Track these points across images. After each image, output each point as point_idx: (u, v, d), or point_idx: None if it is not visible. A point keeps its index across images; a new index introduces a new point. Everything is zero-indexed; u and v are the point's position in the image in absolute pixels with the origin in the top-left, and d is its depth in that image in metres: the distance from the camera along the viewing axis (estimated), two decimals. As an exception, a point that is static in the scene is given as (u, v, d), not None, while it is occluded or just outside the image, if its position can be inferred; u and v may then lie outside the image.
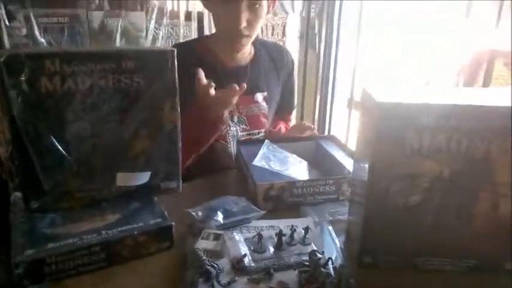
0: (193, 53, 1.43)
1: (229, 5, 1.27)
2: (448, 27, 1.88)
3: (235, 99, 1.19)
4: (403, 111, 0.75)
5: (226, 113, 1.24)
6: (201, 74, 1.18)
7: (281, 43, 2.52)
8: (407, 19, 2.06)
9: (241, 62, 1.47)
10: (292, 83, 1.67)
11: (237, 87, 1.16)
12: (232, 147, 1.48)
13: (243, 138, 1.50)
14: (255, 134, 1.52)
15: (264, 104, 1.52)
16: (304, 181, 1.11)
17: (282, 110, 1.66)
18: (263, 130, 1.54)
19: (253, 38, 1.39)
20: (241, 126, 1.49)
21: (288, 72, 1.61)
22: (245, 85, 1.18)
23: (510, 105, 0.74)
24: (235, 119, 1.47)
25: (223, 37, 1.38)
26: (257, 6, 1.29)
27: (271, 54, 1.55)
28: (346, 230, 0.97)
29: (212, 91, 1.17)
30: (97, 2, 2.06)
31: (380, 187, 0.79)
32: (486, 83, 1.62)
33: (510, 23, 1.47)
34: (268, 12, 1.39)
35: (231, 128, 1.47)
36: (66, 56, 0.84)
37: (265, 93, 1.52)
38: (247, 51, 1.47)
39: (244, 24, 1.28)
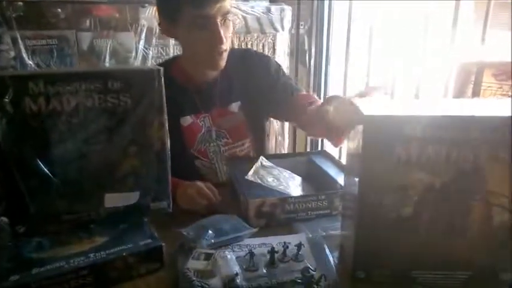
0: (167, 75, 1.41)
1: (205, 27, 1.26)
2: (434, 44, 1.90)
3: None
4: (390, 123, 0.75)
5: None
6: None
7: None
8: (394, 34, 2.08)
9: (211, 76, 1.45)
10: (283, 76, 1.56)
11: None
12: (217, 164, 1.47)
13: (227, 152, 1.48)
14: (239, 146, 1.50)
15: (241, 113, 1.49)
16: (296, 197, 1.10)
17: (292, 93, 1.53)
18: (248, 140, 1.52)
19: (228, 50, 1.38)
20: (223, 141, 1.47)
21: (266, 69, 1.53)
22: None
23: (498, 115, 0.75)
24: (214, 135, 1.46)
25: (202, 58, 1.36)
26: (227, 20, 1.31)
27: (242, 62, 1.52)
28: (339, 245, 0.96)
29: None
30: (87, 23, 2.06)
31: (371, 200, 0.79)
32: (475, 95, 1.62)
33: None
34: None
35: (210, 144, 1.46)
36: (50, 77, 0.84)
37: (239, 103, 1.49)
38: None
39: (225, 40, 1.29)
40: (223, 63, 1.36)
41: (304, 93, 1.53)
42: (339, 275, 0.86)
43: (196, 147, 1.44)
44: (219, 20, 1.26)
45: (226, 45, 1.32)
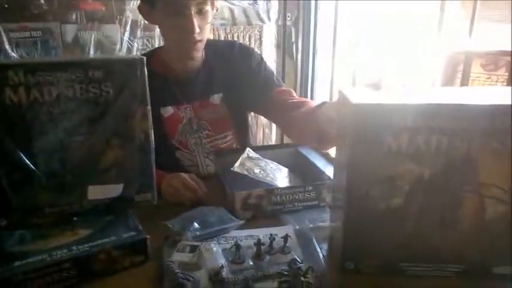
0: (147, 66, 1.38)
1: (179, 15, 1.24)
2: (422, 36, 1.91)
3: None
4: (380, 112, 0.74)
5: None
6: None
7: (259, 51, 2.50)
8: (382, 26, 2.08)
9: (192, 67, 1.42)
10: (264, 70, 1.52)
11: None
12: (198, 156, 1.45)
13: (209, 145, 1.46)
14: (222, 138, 1.48)
15: (223, 105, 1.47)
16: (283, 188, 1.08)
17: (272, 88, 1.50)
18: (230, 133, 1.50)
19: (205, 41, 1.36)
20: (205, 132, 1.45)
21: (248, 61, 1.50)
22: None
23: (490, 103, 0.73)
24: (195, 126, 1.43)
25: (177, 47, 1.35)
26: (204, 10, 1.28)
27: (223, 53, 1.49)
28: (329, 236, 0.95)
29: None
30: (73, 15, 2.03)
31: (360, 190, 0.78)
32: (464, 86, 1.62)
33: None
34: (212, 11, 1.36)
35: (191, 136, 1.43)
36: (30, 66, 0.82)
37: (221, 95, 1.46)
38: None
39: (198, 30, 1.26)
40: (197, 53, 1.34)
41: (284, 88, 1.50)
42: (328, 266, 0.86)
43: (177, 138, 1.42)
44: (193, 8, 1.24)
45: (201, 36, 1.30)
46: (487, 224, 0.77)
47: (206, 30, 1.33)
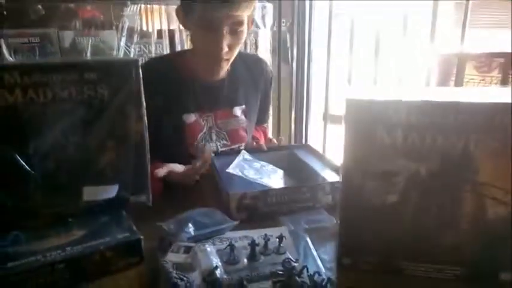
0: (170, 67, 1.40)
1: (210, 30, 1.23)
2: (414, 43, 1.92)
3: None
4: (372, 108, 0.74)
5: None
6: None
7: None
8: (376, 28, 2.10)
9: (218, 76, 1.43)
10: (269, 96, 1.66)
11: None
12: None
13: None
14: (236, 149, 1.49)
15: (243, 117, 1.49)
16: (278, 189, 1.09)
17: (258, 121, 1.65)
18: (244, 144, 1.52)
19: (232, 59, 1.37)
20: (222, 142, 1.46)
21: (265, 83, 1.58)
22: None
23: (487, 101, 0.73)
24: (214, 137, 1.45)
25: (202, 59, 1.36)
26: (239, 31, 1.27)
27: (249, 66, 1.53)
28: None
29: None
30: (71, 21, 2.04)
31: (354, 185, 0.78)
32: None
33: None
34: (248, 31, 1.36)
35: (210, 144, 1.44)
36: (26, 68, 0.82)
37: (244, 107, 1.49)
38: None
39: (225, 49, 1.26)
40: (221, 69, 1.35)
41: (259, 128, 1.68)
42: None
43: (196, 146, 1.42)
44: (226, 28, 1.23)
45: (228, 55, 1.30)
46: (489, 226, 0.76)
47: (236, 50, 1.32)
